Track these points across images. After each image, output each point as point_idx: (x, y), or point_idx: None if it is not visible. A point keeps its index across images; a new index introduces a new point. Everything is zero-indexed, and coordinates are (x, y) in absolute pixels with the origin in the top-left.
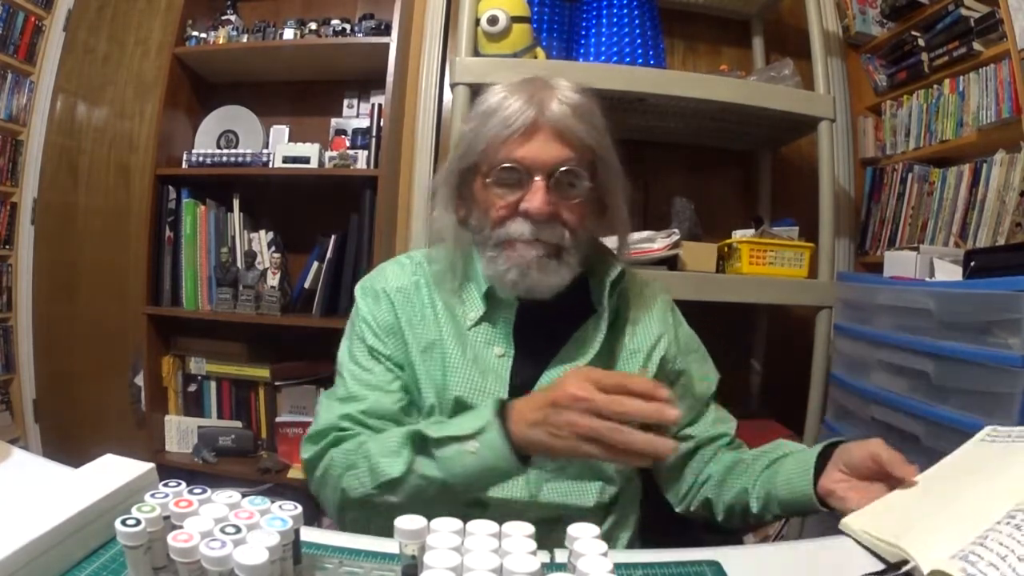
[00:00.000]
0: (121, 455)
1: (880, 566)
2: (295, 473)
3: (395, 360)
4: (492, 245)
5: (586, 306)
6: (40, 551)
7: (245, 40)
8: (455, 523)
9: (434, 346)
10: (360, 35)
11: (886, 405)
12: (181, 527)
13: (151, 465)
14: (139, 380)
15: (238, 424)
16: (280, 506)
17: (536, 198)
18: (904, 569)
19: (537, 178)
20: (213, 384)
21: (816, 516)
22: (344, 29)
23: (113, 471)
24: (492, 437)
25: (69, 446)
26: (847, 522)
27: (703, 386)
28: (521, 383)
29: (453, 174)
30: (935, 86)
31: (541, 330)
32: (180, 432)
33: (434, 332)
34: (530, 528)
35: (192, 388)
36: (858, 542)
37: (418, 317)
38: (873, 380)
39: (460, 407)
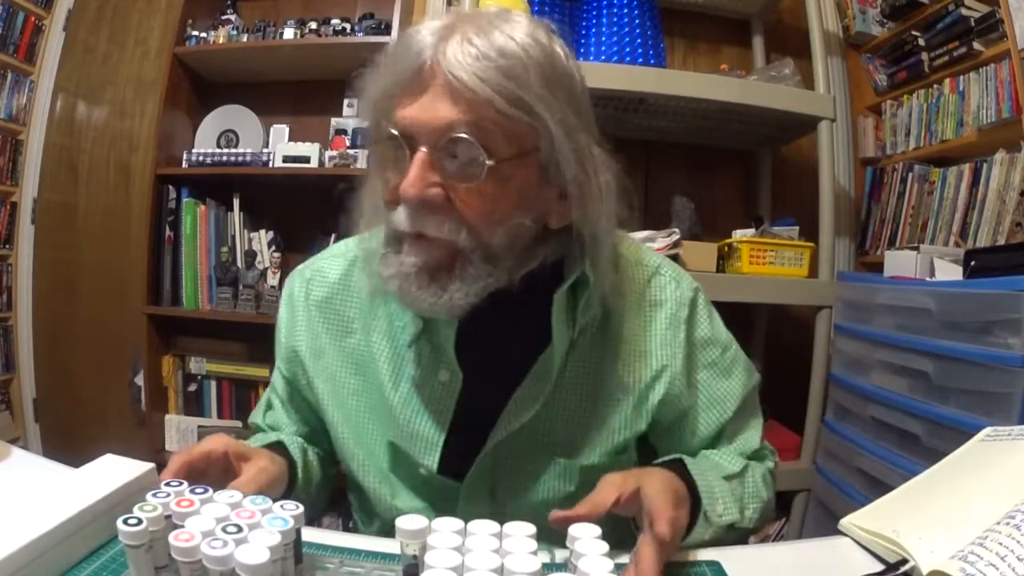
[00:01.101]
0: (121, 455)
1: (880, 566)
2: None
3: (302, 393)
4: (386, 239)
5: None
6: (40, 551)
7: (245, 40)
8: (456, 523)
9: (362, 367)
10: (360, 35)
11: (886, 405)
12: (182, 526)
13: (151, 465)
14: (139, 380)
15: (238, 424)
16: (282, 506)
17: (412, 175)
18: (903, 569)
19: (421, 151)
20: (213, 384)
21: (816, 517)
22: (344, 29)
23: (113, 471)
24: None
25: (69, 446)
26: (846, 522)
27: (711, 417)
28: (466, 421)
29: (371, 145)
30: (935, 86)
31: (492, 348)
32: (180, 432)
33: (363, 347)
34: (531, 528)
35: (192, 388)
36: (857, 542)
37: (343, 329)
38: (873, 380)
39: (395, 455)
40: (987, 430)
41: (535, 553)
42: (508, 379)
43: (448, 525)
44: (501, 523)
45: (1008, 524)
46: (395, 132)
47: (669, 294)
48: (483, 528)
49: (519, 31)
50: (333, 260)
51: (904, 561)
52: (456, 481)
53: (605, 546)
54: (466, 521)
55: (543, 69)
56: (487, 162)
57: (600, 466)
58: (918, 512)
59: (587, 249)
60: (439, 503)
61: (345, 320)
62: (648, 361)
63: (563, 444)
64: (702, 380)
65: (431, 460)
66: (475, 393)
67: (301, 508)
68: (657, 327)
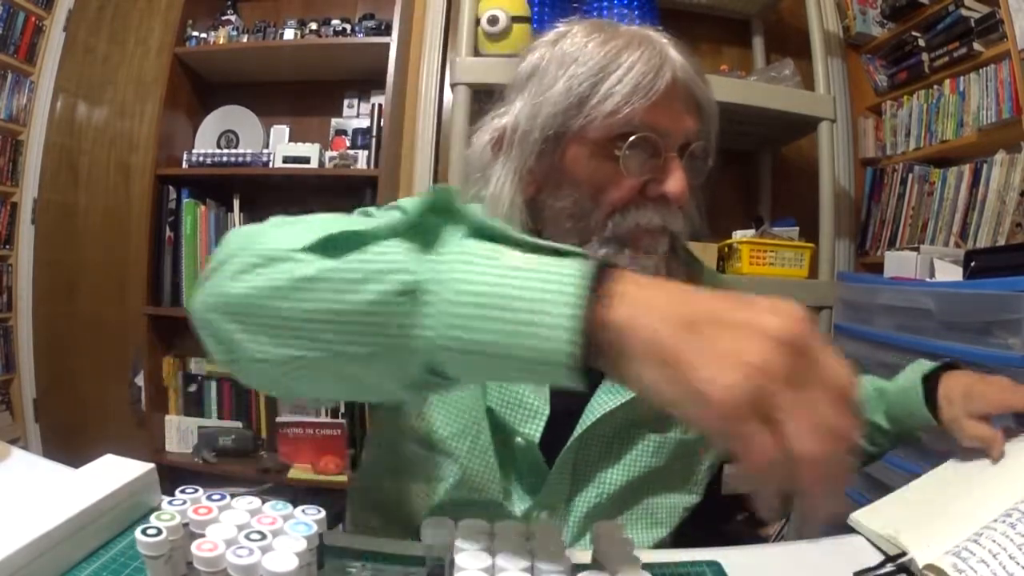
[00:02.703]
0: (121, 455)
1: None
2: (296, 473)
3: None
4: (606, 238)
5: None
6: (40, 551)
7: (245, 40)
8: (482, 524)
9: None
10: (360, 35)
11: None
12: (203, 535)
13: (151, 465)
14: (139, 380)
15: (238, 424)
16: (303, 510)
17: (678, 180)
18: (900, 561)
19: (671, 154)
20: (213, 384)
21: (815, 517)
22: (344, 29)
23: (113, 471)
24: (570, 287)
25: (69, 446)
26: (855, 517)
27: None
28: (566, 395)
29: (533, 140)
30: (935, 86)
31: None
32: (180, 432)
33: None
34: (557, 527)
35: (192, 388)
36: (867, 539)
37: None
38: None
39: (492, 422)
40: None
41: (563, 551)
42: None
43: (474, 527)
44: (578, 501)
45: (1003, 522)
46: (652, 136)
47: (721, 279)
48: (509, 529)
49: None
50: None
51: (903, 554)
52: (545, 455)
53: (632, 542)
54: (539, 500)
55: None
56: (711, 164)
57: (692, 439)
58: (921, 509)
59: (695, 226)
60: (526, 478)
61: None
62: None
63: (657, 418)
64: None
65: (533, 428)
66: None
67: (323, 512)
68: None
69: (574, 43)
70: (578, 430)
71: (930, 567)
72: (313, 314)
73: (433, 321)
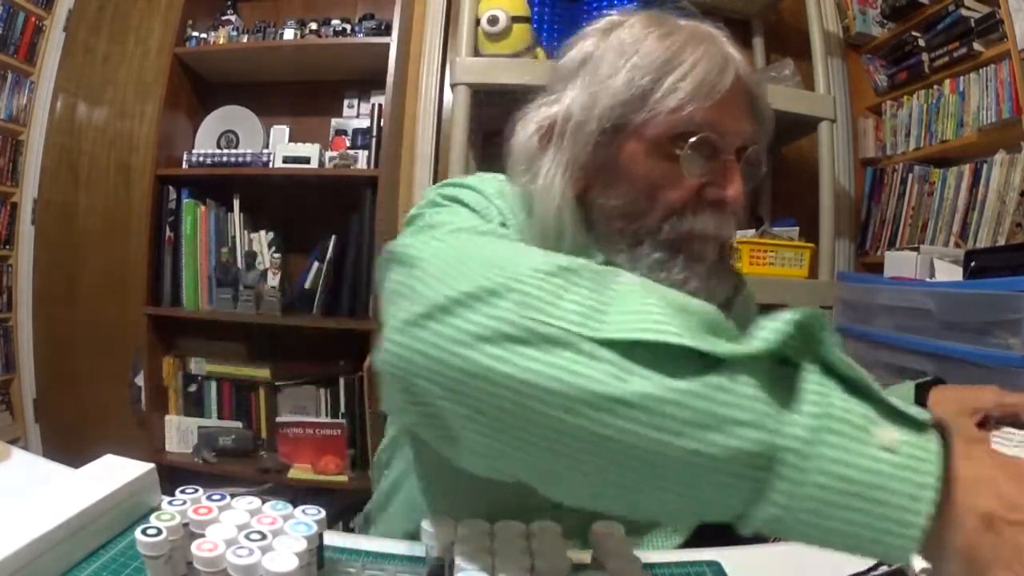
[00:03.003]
0: (121, 455)
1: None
2: (295, 473)
3: None
4: (660, 242)
5: None
6: (40, 551)
7: (245, 40)
8: (483, 524)
9: None
10: (360, 35)
11: None
12: (203, 535)
13: (151, 465)
14: (139, 380)
15: (238, 424)
16: (303, 510)
17: (738, 184)
18: (897, 566)
19: (728, 157)
20: (213, 384)
21: None
22: (344, 29)
23: (113, 471)
24: (928, 455)
25: (69, 446)
26: None
27: None
28: None
29: (588, 131)
30: (935, 86)
31: None
32: (180, 432)
33: None
34: (557, 527)
35: (192, 388)
36: None
37: None
38: None
39: None
40: (1000, 432)
41: (563, 552)
42: None
43: (474, 527)
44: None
45: None
46: (713, 137)
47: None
48: (509, 529)
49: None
50: (467, 213)
51: None
52: None
53: (631, 542)
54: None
55: None
56: (765, 170)
57: None
58: None
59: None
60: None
61: None
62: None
63: None
64: None
65: None
66: None
67: (323, 512)
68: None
69: (632, 34)
70: None
71: (927, 571)
72: (610, 444)
73: (785, 499)
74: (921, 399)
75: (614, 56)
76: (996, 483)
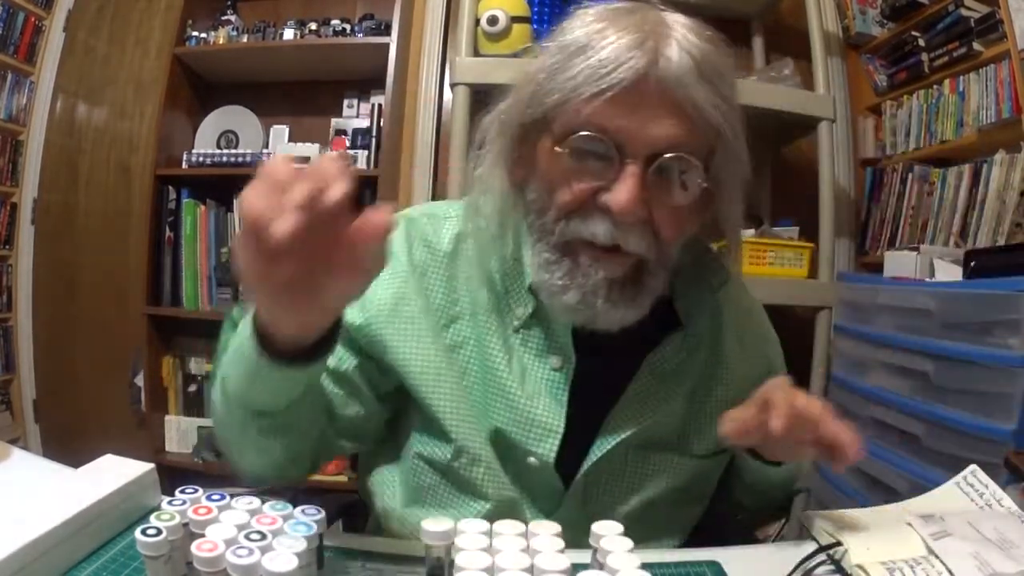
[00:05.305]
0: (121, 455)
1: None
2: None
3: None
4: (552, 244)
5: (671, 314)
6: (40, 551)
7: (245, 40)
8: (482, 524)
9: (462, 348)
10: (360, 35)
11: (886, 405)
12: (203, 535)
13: (151, 465)
14: (139, 380)
15: None
16: (303, 510)
17: (624, 191)
18: (834, 551)
19: (630, 162)
20: None
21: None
22: (344, 29)
23: (113, 471)
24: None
25: (69, 446)
26: (808, 515)
27: None
28: (579, 412)
29: (512, 124)
30: (935, 86)
31: (608, 341)
32: (180, 432)
33: (468, 329)
34: (557, 527)
35: (192, 388)
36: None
37: (445, 303)
38: (873, 380)
39: (499, 443)
40: (970, 469)
41: (563, 551)
42: (620, 373)
43: (474, 526)
44: (590, 522)
45: (942, 562)
46: (602, 138)
47: (751, 300)
48: (509, 528)
49: (699, 33)
50: (443, 224)
51: (838, 543)
52: (559, 472)
53: (630, 542)
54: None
55: (725, 76)
56: (699, 181)
57: (710, 459)
58: (871, 526)
59: (731, 249)
60: (539, 500)
61: (445, 290)
62: (749, 376)
63: (679, 439)
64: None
65: (547, 448)
66: (585, 383)
67: (323, 513)
68: (758, 342)
69: (567, 27)
70: (596, 454)
71: (861, 567)
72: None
73: None
74: None
75: (547, 51)
76: None
